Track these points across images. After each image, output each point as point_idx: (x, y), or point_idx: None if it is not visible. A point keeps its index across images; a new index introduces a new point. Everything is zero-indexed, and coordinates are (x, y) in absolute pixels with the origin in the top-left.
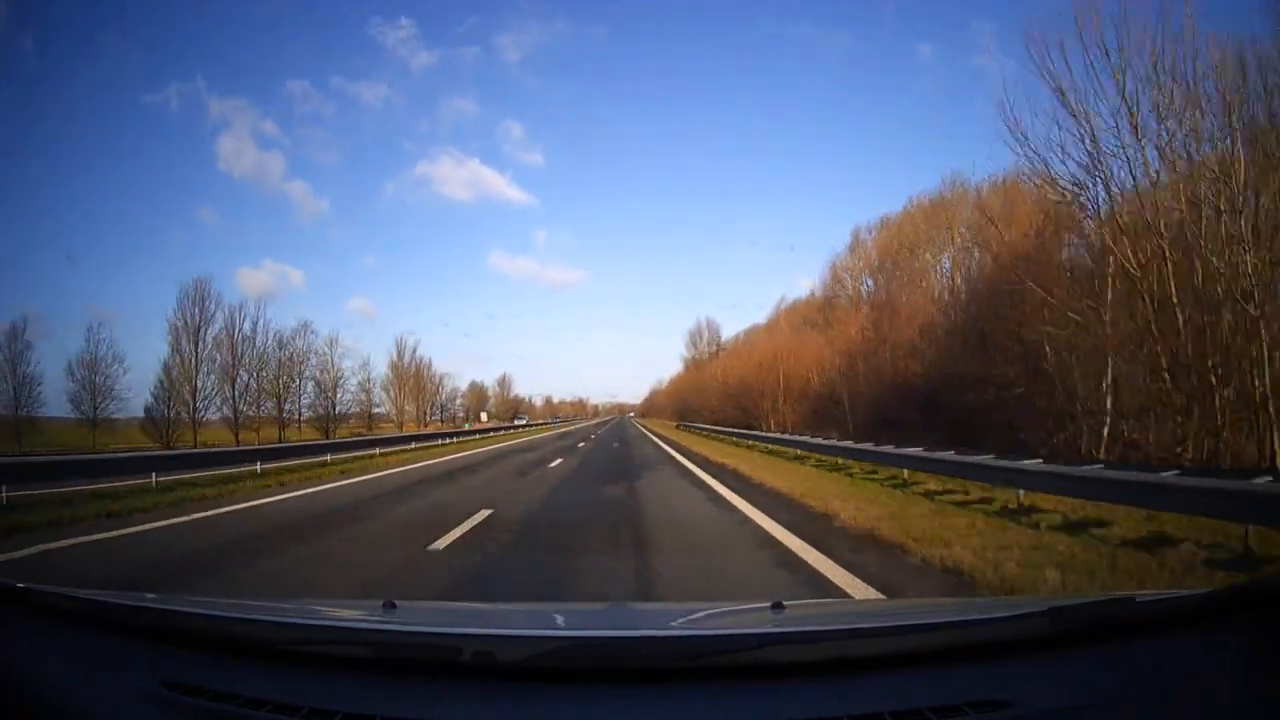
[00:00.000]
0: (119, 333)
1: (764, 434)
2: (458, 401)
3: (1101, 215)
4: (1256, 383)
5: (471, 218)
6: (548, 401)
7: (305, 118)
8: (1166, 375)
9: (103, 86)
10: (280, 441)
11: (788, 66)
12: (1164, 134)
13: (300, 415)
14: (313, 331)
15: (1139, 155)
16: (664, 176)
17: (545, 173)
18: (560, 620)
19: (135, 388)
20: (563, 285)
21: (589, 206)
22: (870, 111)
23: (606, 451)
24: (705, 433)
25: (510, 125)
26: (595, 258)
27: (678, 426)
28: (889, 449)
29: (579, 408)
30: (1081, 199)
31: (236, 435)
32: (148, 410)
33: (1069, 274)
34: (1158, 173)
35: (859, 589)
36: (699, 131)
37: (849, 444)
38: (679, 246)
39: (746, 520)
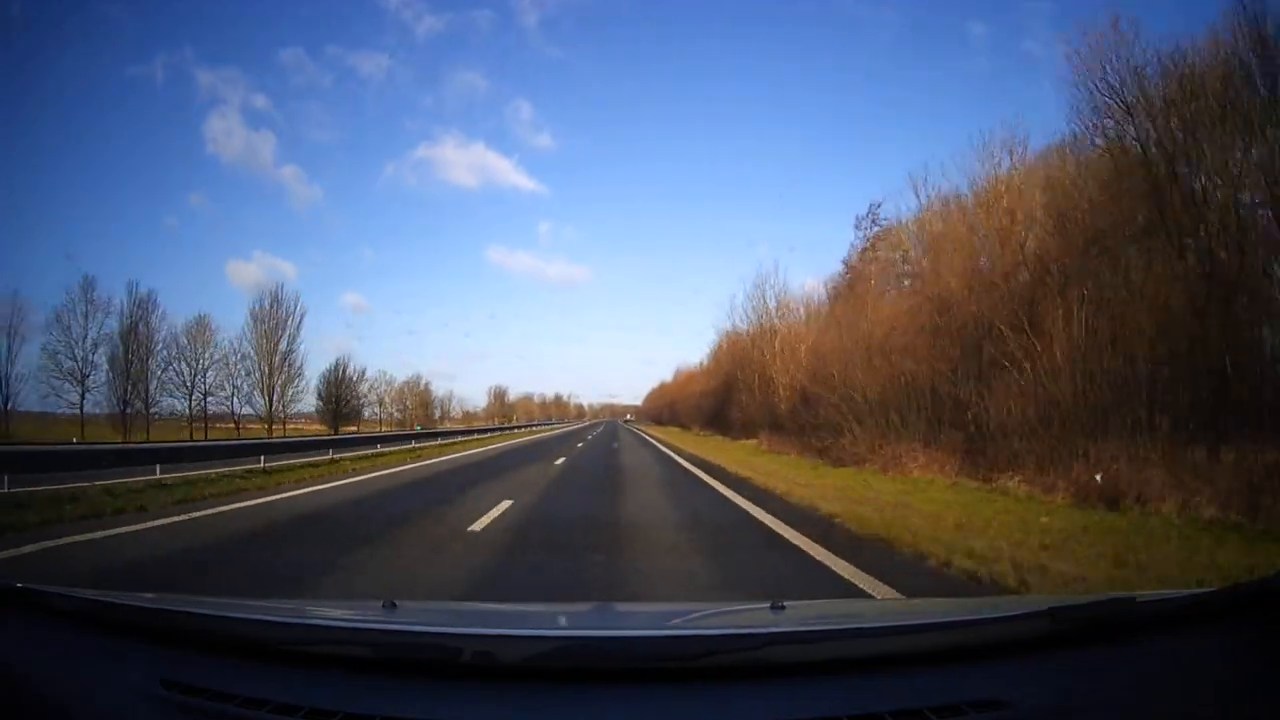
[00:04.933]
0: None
1: None
2: (213, 377)
3: None
4: None
5: (474, 206)
6: (498, 398)
7: (299, 91)
8: None
9: (90, 60)
10: None
11: (830, 48)
12: None
13: None
14: None
15: None
16: (681, 166)
17: (554, 157)
18: (561, 620)
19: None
20: (564, 282)
21: (597, 196)
22: (920, 103)
23: None
24: None
25: (520, 104)
26: (599, 253)
27: None
28: None
29: (554, 409)
30: None
31: None
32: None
33: None
34: None
35: None
36: (717, 119)
37: None
38: (691, 242)
39: None
